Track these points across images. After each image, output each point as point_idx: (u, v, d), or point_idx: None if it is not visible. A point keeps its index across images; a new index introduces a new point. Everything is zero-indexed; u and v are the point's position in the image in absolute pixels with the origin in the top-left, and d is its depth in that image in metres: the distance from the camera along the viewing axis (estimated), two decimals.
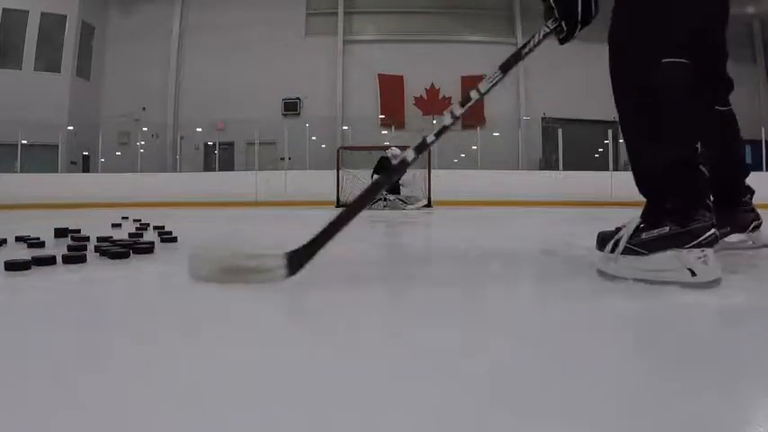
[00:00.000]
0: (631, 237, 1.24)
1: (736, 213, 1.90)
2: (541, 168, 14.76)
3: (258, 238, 3.33)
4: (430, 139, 1.38)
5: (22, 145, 12.52)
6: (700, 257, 1.13)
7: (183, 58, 16.74)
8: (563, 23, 1.32)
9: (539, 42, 1.36)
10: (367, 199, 1.36)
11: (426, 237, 3.67)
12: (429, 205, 9.24)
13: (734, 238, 1.92)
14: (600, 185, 10.59)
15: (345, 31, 16.90)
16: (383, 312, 1.08)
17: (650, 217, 1.25)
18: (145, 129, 15.56)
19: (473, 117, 15.67)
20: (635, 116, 1.30)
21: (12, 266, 1.47)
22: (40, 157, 13.03)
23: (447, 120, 1.39)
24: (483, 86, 1.38)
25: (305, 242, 1.22)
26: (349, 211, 1.27)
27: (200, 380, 0.63)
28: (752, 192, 1.93)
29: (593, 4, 1.31)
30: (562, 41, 1.35)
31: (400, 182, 9.06)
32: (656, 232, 1.20)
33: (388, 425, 0.50)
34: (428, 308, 1.09)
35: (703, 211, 1.18)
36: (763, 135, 11.23)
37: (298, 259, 1.20)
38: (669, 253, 1.16)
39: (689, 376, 0.64)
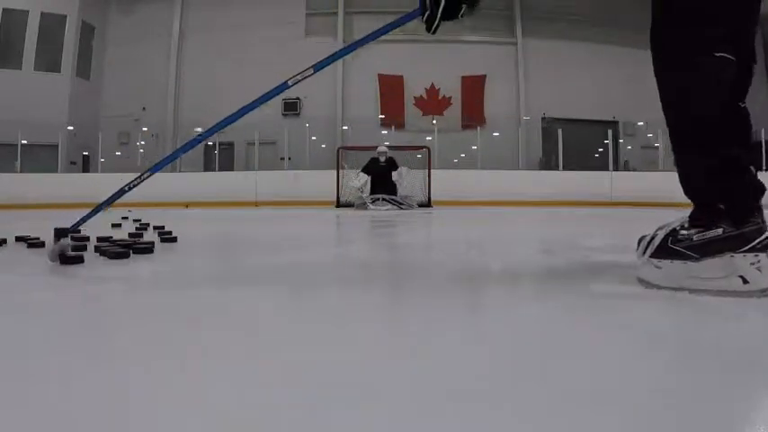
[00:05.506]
0: (679, 240, 1.14)
1: None
2: (541, 168, 14.73)
3: (258, 237, 3.32)
4: None
5: (22, 145, 12.49)
6: (753, 263, 1.05)
7: (182, 58, 16.71)
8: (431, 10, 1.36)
9: (398, 24, 1.46)
10: None
11: (426, 237, 3.67)
12: (429, 205, 9.25)
13: None
14: (600, 185, 10.59)
15: (345, 31, 16.88)
16: (381, 314, 1.08)
17: (700, 219, 1.15)
18: (145, 129, 15.53)
19: (473, 117, 15.67)
20: (678, 117, 1.23)
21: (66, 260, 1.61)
22: (40, 157, 12.99)
23: None
24: None
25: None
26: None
27: (200, 379, 0.63)
28: None
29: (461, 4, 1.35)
30: (428, 28, 1.39)
31: (394, 180, 9.09)
32: (708, 234, 1.11)
33: (390, 424, 0.50)
34: (428, 308, 1.09)
35: (756, 214, 1.12)
36: (762, 135, 11.20)
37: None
38: (721, 258, 1.07)
39: (691, 378, 0.64)
